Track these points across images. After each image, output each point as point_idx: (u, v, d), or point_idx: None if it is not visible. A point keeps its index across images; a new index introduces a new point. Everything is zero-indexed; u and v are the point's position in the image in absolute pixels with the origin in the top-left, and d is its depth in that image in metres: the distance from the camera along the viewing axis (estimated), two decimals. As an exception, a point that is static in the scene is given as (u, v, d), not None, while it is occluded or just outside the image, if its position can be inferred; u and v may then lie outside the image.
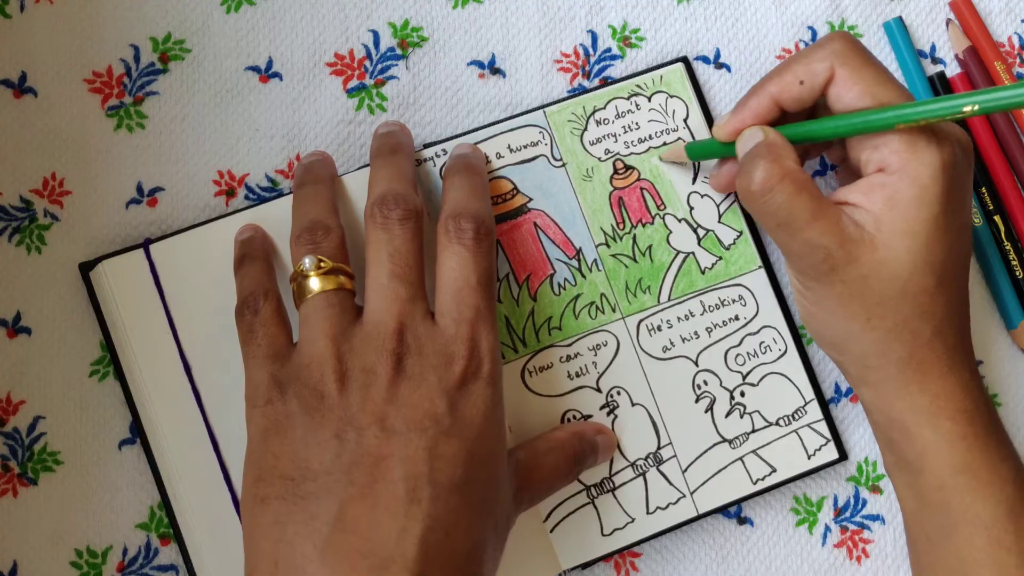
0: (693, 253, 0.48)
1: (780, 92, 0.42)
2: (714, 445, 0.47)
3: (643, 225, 0.47)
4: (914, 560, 0.44)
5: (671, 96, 0.48)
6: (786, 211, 0.40)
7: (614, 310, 0.47)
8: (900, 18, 0.50)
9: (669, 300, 0.47)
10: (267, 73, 0.48)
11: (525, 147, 0.47)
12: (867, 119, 0.40)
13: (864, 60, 0.41)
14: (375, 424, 0.38)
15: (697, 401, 0.47)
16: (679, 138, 0.48)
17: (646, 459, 0.47)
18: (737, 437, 0.47)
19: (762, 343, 0.47)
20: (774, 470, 0.47)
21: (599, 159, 0.47)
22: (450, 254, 0.41)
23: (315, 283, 0.40)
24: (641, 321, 0.47)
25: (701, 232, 0.48)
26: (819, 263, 0.41)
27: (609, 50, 0.49)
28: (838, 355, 0.43)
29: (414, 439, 0.38)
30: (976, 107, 0.37)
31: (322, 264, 0.41)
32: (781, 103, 0.43)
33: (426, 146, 0.47)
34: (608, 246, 0.47)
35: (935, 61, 0.51)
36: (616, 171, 0.48)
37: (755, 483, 0.47)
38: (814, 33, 0.50)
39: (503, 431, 0.40)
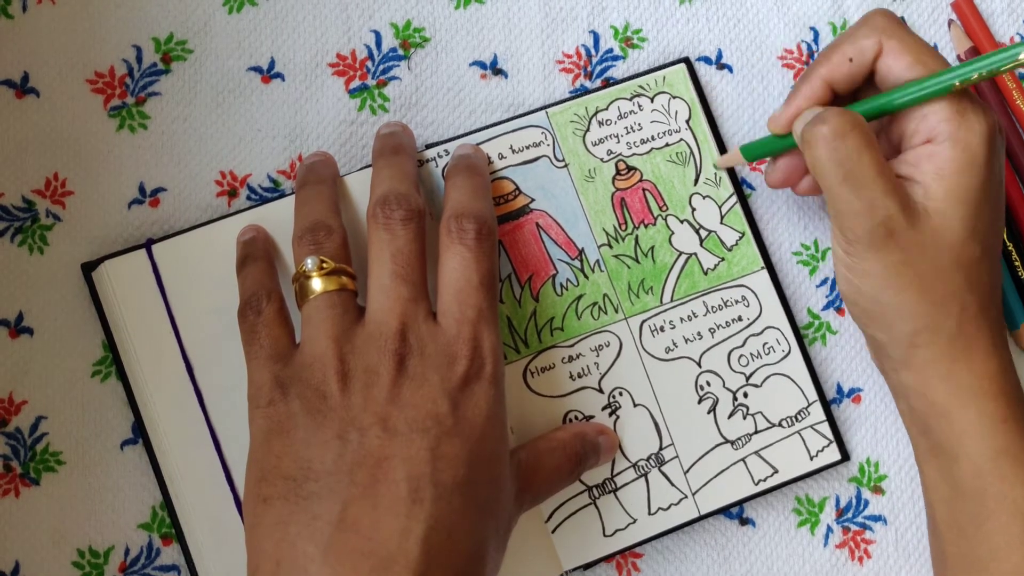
0: (695, 254, 0.48)
1: (831, 73, 0.43)
2: (716, 446, 0.47)
3: (645, 226, 0.47)
4: (937, 553, 0.44)
5: (673, 97, 0.48)
6: (856, 160, 0.40)
7: (616, 311, 0.47)
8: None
9: (672, 301, 0.47)
10: (269, 73, 0.48)
11: (527, 148, 0.47)
12: (926, 85, 0.40)
13: (908, 32, 0.42)
14: (377, 424, 0.38)
15: (700, 402, 0.47)
16: (681, 139, 0.48)
17: (648, 460, 0.47)
18: (739, 438, 0.47)
19: (765, 344, 0.47)
20: (776, 471, 0.47)
21: (601, 160, 0.47)
22: (452, 254, 0.41)
23: (317, 284, 0.40)
24: (644, 322, 0.47)
25: (703, 233, 0.48)
26: (877, 226, 0.40)
27: (611, 51, 0.49)
28: (883, 333, 0.43)
29: (416, 439, 0.38)
30: None
31: (324, 265, 0.41)
32: (833, 84, 0.43)
33: (428, 147, 0.47)
34: (610, 247, 0.47)
35: (937, 62, 0.51)
36: (618, 172, 0.48)
37: (757, 484, 0.47)
38: (816, 33, 0.50)
39: (505, 431, 0.40)
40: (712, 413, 0.47)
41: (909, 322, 0.41)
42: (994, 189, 0.41)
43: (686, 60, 0.49)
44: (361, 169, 0.46)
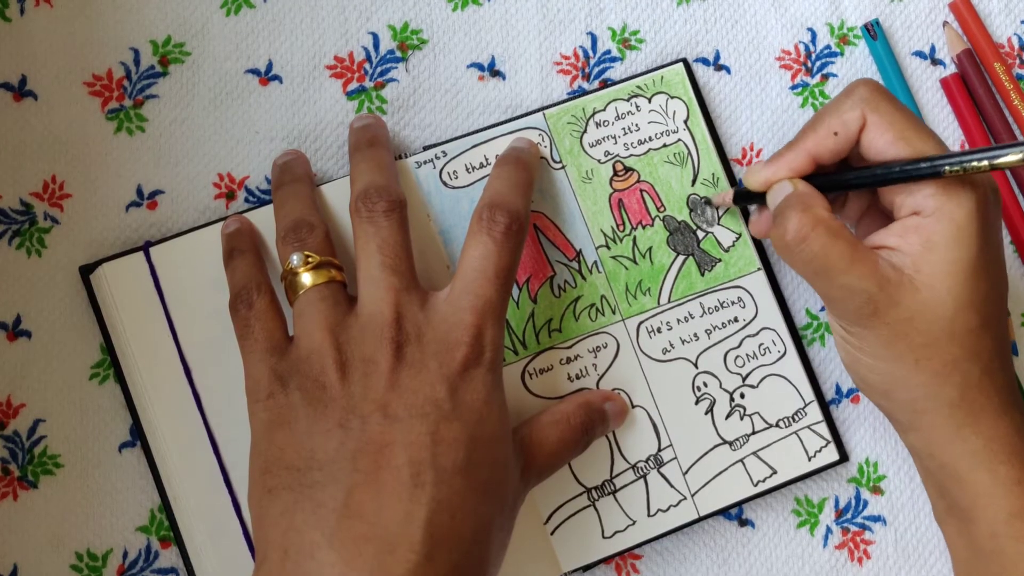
0: (693, 255, 0.47)
1: (816, 146, 0.42)
2: (714, 447, 0.47)
3: (643, 227, 0.47)
4: None
5: (672, 97, 0.48)
6: (822, 258, 0.40)
7: (614, 312, 0.47)
8: (877, 20, 0.50)
9: (669, 302, 0.47)
10: (267, 76, 0.48)
11: (525, 149, 0.47)
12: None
13: (893, 104, 0.41)
14: (377, 412, 0.38)
15: (697, 403, 0.47)
16: (679, 139, 0.48)
17: (647, 461, 0.47)
18: (737, 439, 0.47)
19: (761, 345, 0.47)
20: (775, 472, 0.47)
21: (599, 161, 0.47)
22: (477, 242, 0.41)
23: (306, 278, 0.41)
24: (641, 323, 0.47)
25: (700, 234, 0.48)
26: (861, 306, 0.40)
27: (609, 52, 0.49)
28: (886, 401, 0.43)
29: (416, 425, 0.38)
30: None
31: (310, 259, 0.41)
32: (818, 158, 0.42)
33: (426, 148, 0.47)
34: (608, 248, 0.47)
35: (935, 62, 0.51)
36: (616, 173, 0.48)
37: (756, 485, 0.47)
38: (813, 34, 0.50)
39: (505, 413, 0.41)
40: (710, 414, 0.47)
41: (907, 392, 0.41)
42: (990, 257, 0.40)
43: (683, 61, 0.49)
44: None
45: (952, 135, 0.51)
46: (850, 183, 0.42)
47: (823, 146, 0.42)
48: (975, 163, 0.38)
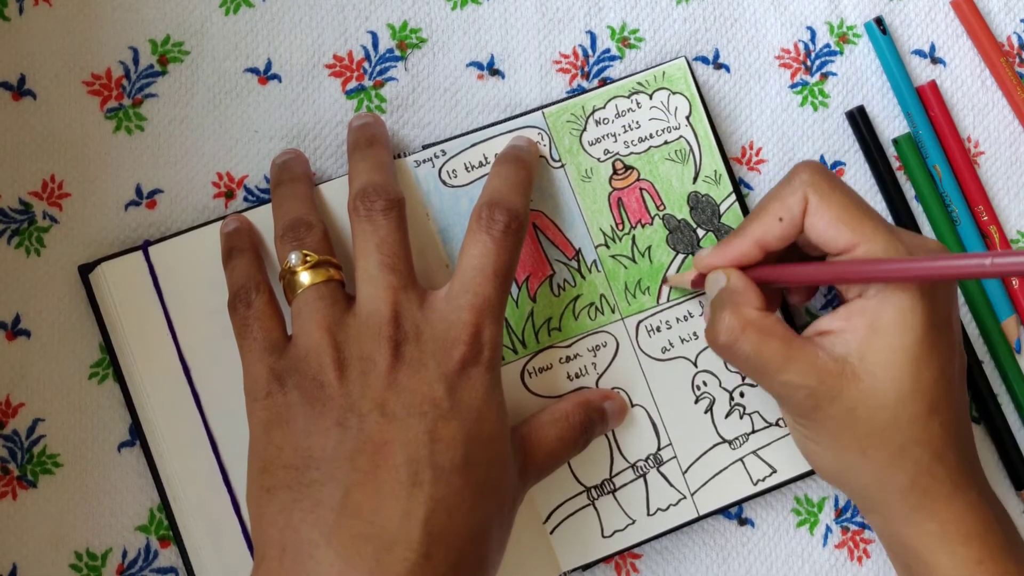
0: (693, 254, 0.47)
1: (763, 233, 0.42)
2: (714, 446, 0.47)
3: (642, 226, 0.47)
4: None
5: (673, 93, 0.48)
6: (755, 359, 0.40)
7: (613, 311, 0.47)
8: (881, 16, 0.50)
9: (668, 301, 0.47)
10: (266, 75, 0.48)
11: (524, 148, 0.47)
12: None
13: (833, 185, 0.41)
14: (375, 410, 0.38)
15: (697, 402, 0.47)
16: (680, 136, 0.48)
17: (646, 460, 0.46)
18: (737, 438, 0.47)
19: (762, 343, 0.47)
20: (774, 471, 0.47)
21: (598, 159, 0.47)
22: (475, 241, 0.41)
23: (305, 277, 0.41)
24: (640, 322, 0.47)
25: (701, 232, 0.48)
26: (802, 401, 0.40)
27: (608, 51, 0.49)
28: (840, 486, 0.43)
29: (414, 423, 0.38)
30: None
31: (308, 258, 0.41)
32: (765, 244, 0.42)
33: (425, 147, 0.47)
34: (607, 247, 0.47)
35: (935, 61, 0.51)
36: (615, 171, 0.47)
37: (755, 484, 0.47)
38: (813, 33, 0.50)
39: (504, 412, 0.41)
40: (709, 413, 0.47)
41: (858, 479, 0.41)
42: (938, 339, 0.39)
43: (684, 59, 0.49)
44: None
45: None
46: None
47: (770, 232, 0.42)
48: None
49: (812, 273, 0.41)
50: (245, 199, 0.47)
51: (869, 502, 0.42)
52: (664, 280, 0.47)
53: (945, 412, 0.40)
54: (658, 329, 0.47)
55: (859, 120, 0.50)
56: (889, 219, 0.50)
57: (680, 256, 0.47)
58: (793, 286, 0.45)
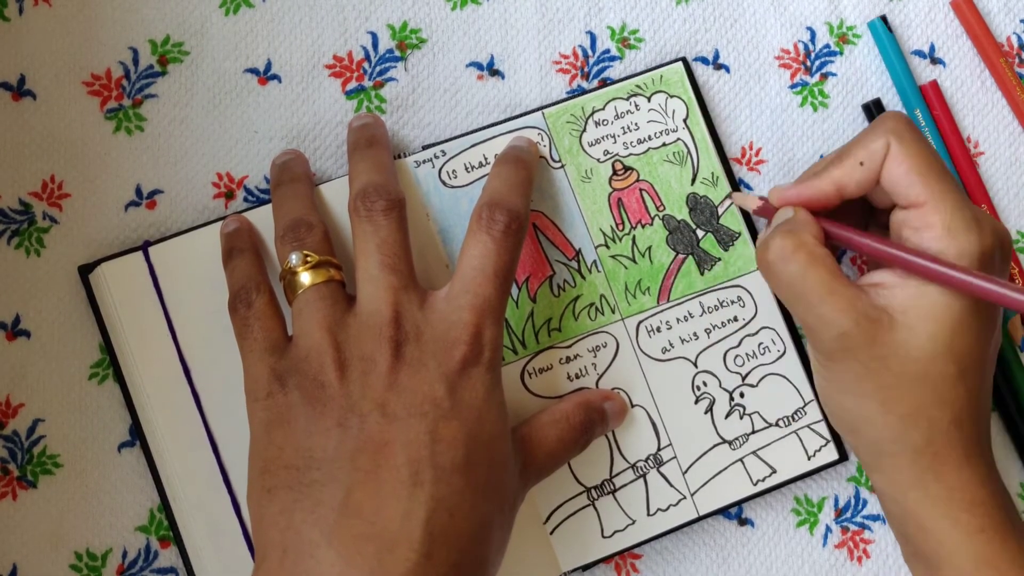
0: (692, 254, 0.47)
1: (843, 176, 0.42)
2: (714, 446, 0.47)
3: (642, 226, 0.47)
4: None
5: (671, 96, 0.48)
6: (799, 283, 0.40)
7: (613, 311, 0.47)
8: (884, 17, 0.50)
9: (668, 301, 0.47)
10: (266, 75, 0.48)
11: (524, 148, 0.47)
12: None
13: (915, 137, 0.41)
14: (376, 410, 0.38)
15: (697, 402, 0.47)
16: (678, 138, 0.48)
17: (646, 460, 0.46)
18: (737, 438, 0.47)
19: (761, 344, 0.47)
20: (774, 471, 0.47)
21: (598, 160, 0.47)
22: (475, 242, 0.41)
23: (305, 277, 0.41)
24: (640, 322, 0.47)
25: (700, 233, 0.48)
26: (833, 340, 0.40)
27: (608, 51, 0.49)
28: (853, 438, 0.43)
29: (415, 424, 0.38)
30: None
31: (309, 259, 0.41)
32: (844, 188, 0.42)
33: (425, 147, 0.47)
34: (607, 247, 0.47)
35: (934, 61, 0.51)
36: (615, 172, 0.47)
37: (755, 484, 0.47)
38: (812, 33, 0.50)
39: (504, 412, 0.41)
40: (709, 413, 0.47)
41: (874, 431, 0.41)
42: (984, 308, 0.40)
43: (683, 60, 0.49)
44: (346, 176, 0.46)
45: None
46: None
47: (850, 176, 0.42)
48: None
49: (876, 249, 0.41)
50: (245, 199, 0.47)
51: (878, 458, 0.41)
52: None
53: (972, 379, 0.40)
54: (658, 329, 0.47)
55: (875, 113, 0.50)
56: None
57: (680, 256, 0.47)
58: (853, 251, 0.44)
